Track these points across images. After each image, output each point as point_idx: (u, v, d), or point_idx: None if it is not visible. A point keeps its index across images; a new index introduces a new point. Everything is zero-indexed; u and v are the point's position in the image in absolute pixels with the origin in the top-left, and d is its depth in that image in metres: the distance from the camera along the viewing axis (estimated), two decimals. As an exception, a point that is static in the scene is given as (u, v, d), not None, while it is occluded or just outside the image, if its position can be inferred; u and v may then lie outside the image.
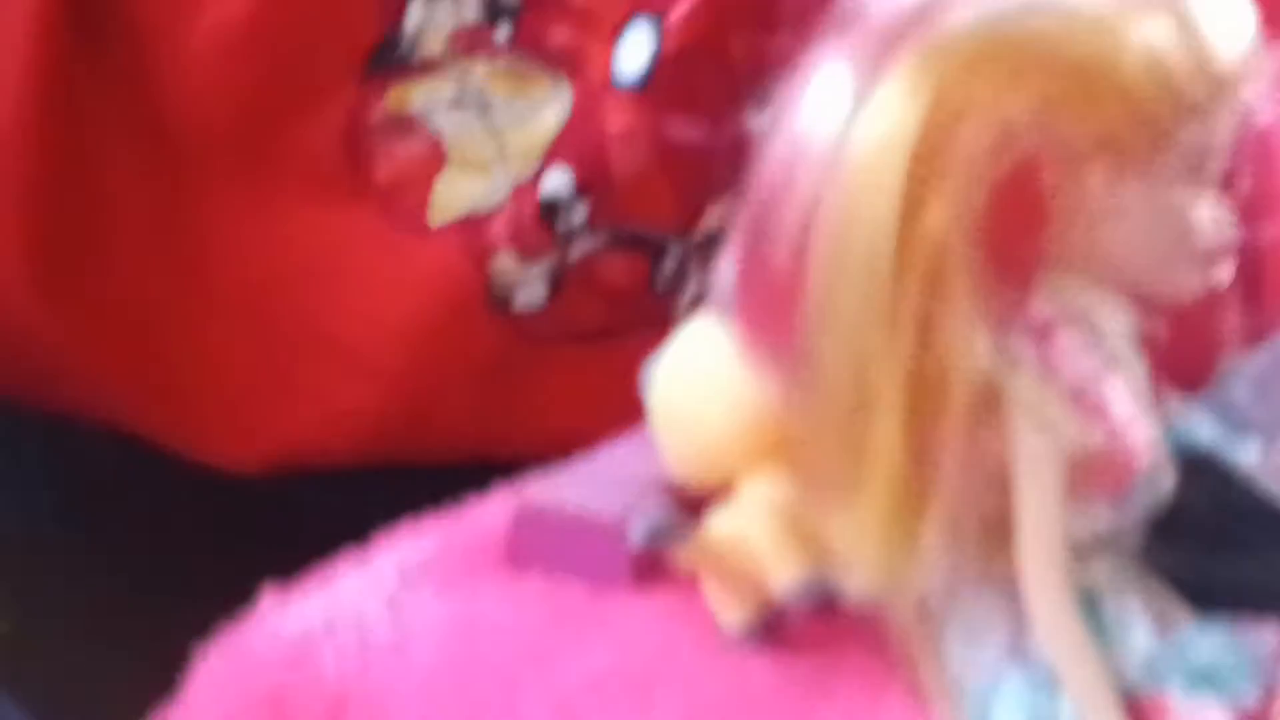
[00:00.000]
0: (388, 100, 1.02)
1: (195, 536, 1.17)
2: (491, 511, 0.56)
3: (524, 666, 0.47)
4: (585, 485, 0.57)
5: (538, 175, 0.97)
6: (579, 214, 0.96)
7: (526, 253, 0.96)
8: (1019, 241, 0.46)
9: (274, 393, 0.99)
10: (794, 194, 0.47)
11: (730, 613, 0.52)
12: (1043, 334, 0.46)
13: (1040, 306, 0.46)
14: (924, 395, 0.45)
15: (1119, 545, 0.48)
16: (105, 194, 1.03)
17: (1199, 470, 0.55)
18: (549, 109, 1.02)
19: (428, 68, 1.04)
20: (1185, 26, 0.46)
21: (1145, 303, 0.48)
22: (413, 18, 1.02)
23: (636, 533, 0.48)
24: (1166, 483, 0.47)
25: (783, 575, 0.50)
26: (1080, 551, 0.47)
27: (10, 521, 1.12)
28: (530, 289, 0.97)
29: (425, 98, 1.03)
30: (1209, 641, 0.46)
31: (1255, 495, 0.56)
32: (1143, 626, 0.47)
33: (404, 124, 1.03)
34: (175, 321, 1.02)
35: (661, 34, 0.97)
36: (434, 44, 1.02)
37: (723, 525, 0.51)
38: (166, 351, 1.02)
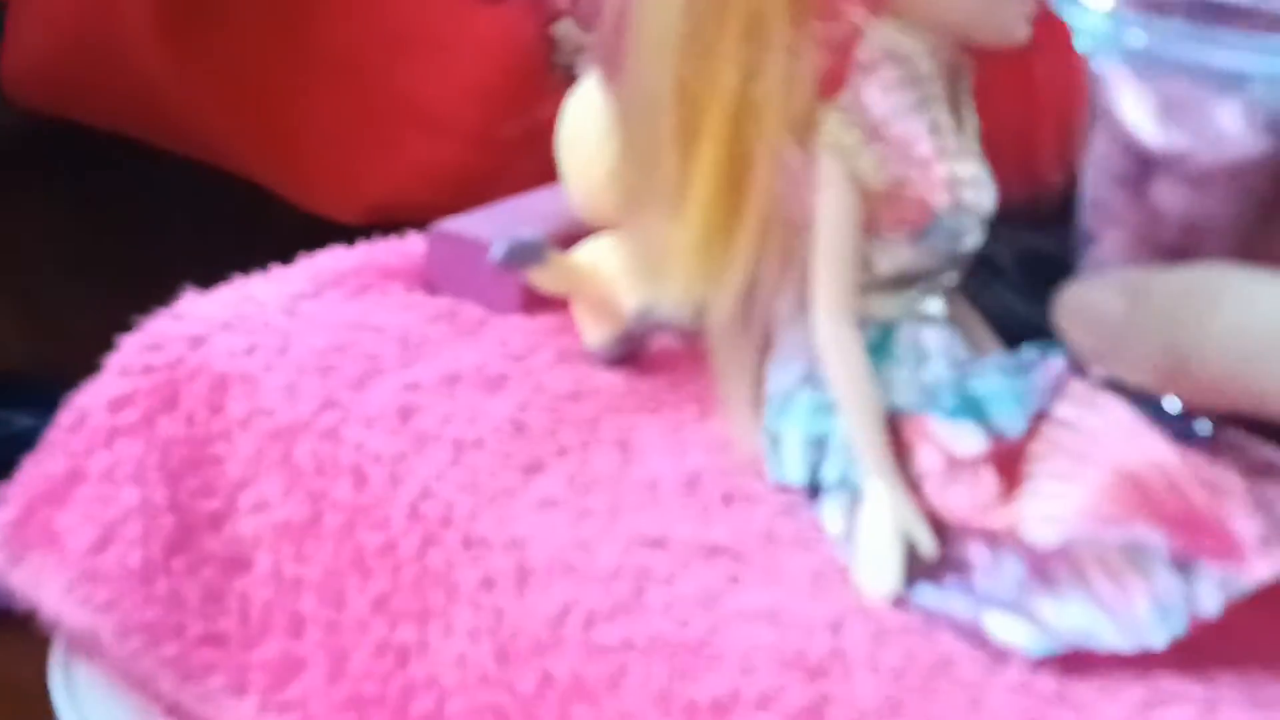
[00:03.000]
0: None
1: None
2: (419, 241, 0.61)
3: (390, 359, 0.53)
4: (498, 219, 0.62)
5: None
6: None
7: (583, 23, 0.99)
8: None
9: (368, 148, 1.06)
10: None
11: (591, 333, 0.56)
12: (863, 72, 0.49)
13: (864, 48, 0.49)
14: (738, 122, 0.48)
15: (933, 284, 0.50)
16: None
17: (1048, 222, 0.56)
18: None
19: None
20: None
21: (972, 49, 0.49)
22: None
23: (498, 250, 0.52)
24: (969, 224, 0.49)
25: (628, 302, 0.54)
26: (882, 284, 0.49)
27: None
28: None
29: None
30: (990, 375, 0.48)
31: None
32: (938, 358, 0.49)
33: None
34: (285, 81, 1.09)
35: None
36: None
37: (584, 254, 0.55)
38: (278, 107, 1.10)
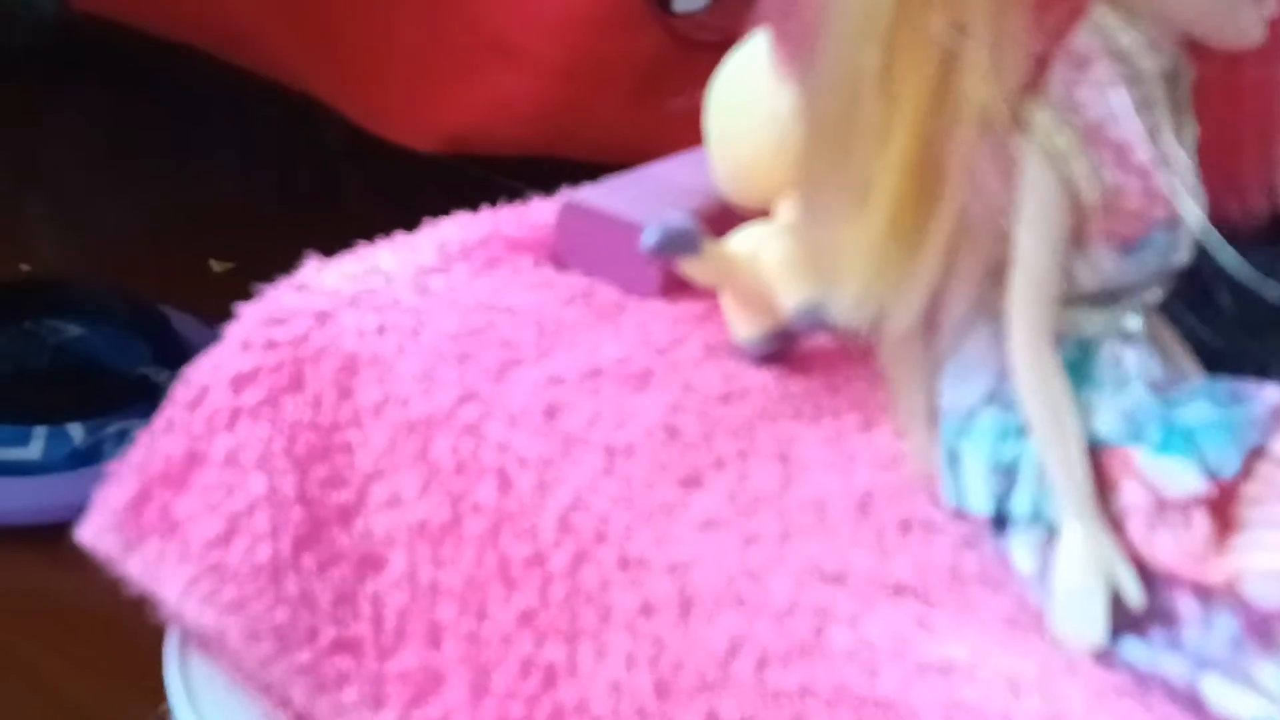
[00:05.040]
0: None
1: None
2: (545, 209, 0.57)
3: (528, 346, 0.49)
4: (634, 192, 0.58)
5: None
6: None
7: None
8: None
9: (447, 79, 1.02)
10: None
11: (741, 327, 0.52)
12: (1077, 66, 0.44)
13: (1080, 38, 0.44)
14: (937, 115, 0.44)
15: (1135, 300, 0.46)
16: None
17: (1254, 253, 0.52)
18: None
19: None
20: None
21: (1200, 48, 0.45)
22: None
23: (649, 237, 0.49)
24: (1183, 239, 0.45)
25: (788, 297, 0.50)
26: (1085, 299, 0.45)
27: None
28: (692, -8, 0.96)
29: None
30: (1200, 404, 0.44)
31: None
32: (1138, 382, 0.45)
33: None
34: (365, 10, 1.05)
35: None
36: None
37: (739, 243, 0.52)
38: (357, 36, 1.06)
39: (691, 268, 0.51)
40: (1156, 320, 0.47)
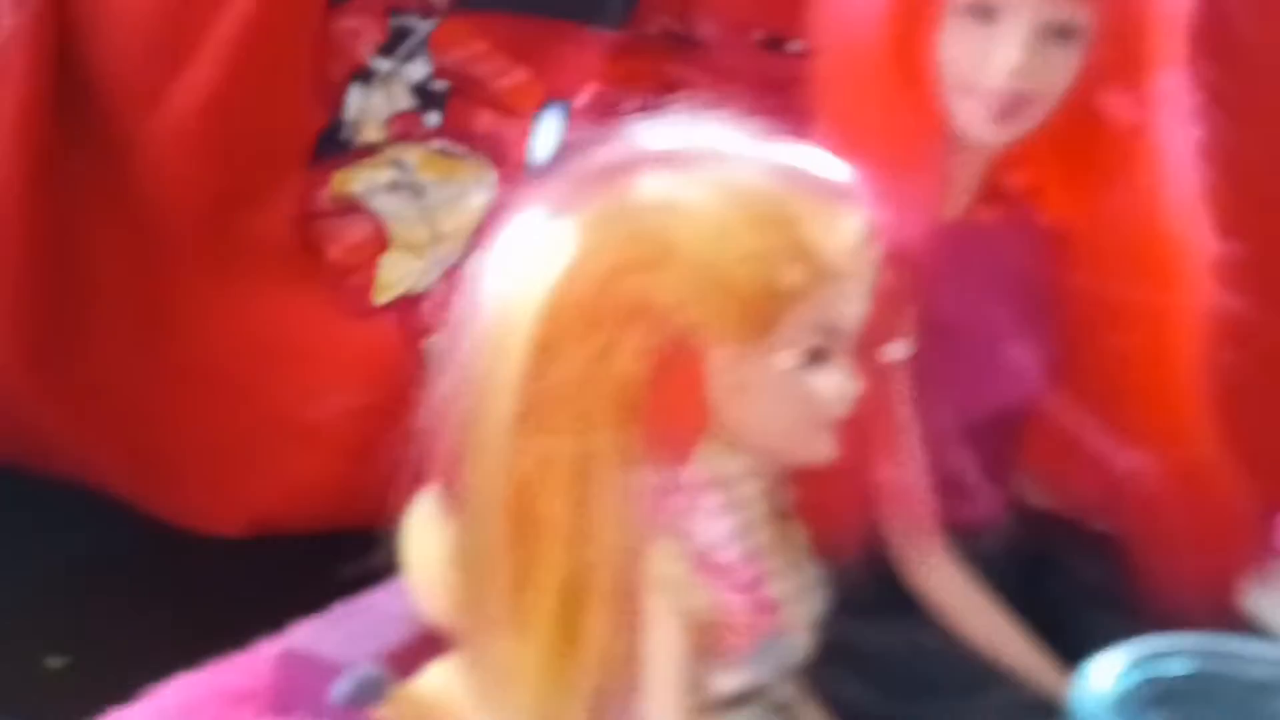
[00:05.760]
0: (332, 184, 1.08)
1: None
2: (263, 657, 0.60)
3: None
4: (348, 629, 0.61)
5: (466, 257, 1.02)
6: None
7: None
8: (668, 412, 0.48)
9: (246, 463, 1.05)
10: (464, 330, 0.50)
11: (444, 759, 0.56)
12: (688, 497, 0.49)
13: (691, 470, 0.49)
14: (576, 547, 0.48)
15: (768, 699, 0.50)
16: (90, 279, 1.09)
17: (899, 615, 0.57)
18: (476, 192, 1.07)
19: (366, 153, 1.09)
20: (792, 231, 0.48)
21: (787, 467, 0.50)
22: (352, 105, 1.07)
23: (338, 691, 0.52)
24: (799, 640, 0.49)
25: (478, 724, 0.53)
26: (722, 705, 0.49)
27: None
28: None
29: (365, 182, 1.08)
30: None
31: (950, 640, 0.57)
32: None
33: (348, 206, 1.09)
34: (155, 398, 1.08)
35: (569, 119, 1.01)
36: (372, 130, 1.07)
37: (431, 678, 0.55)
38: (149, 425, 1.08)
39: (386, 713, 0.54)
40: (801, 699, 0.52)
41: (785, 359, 0.48)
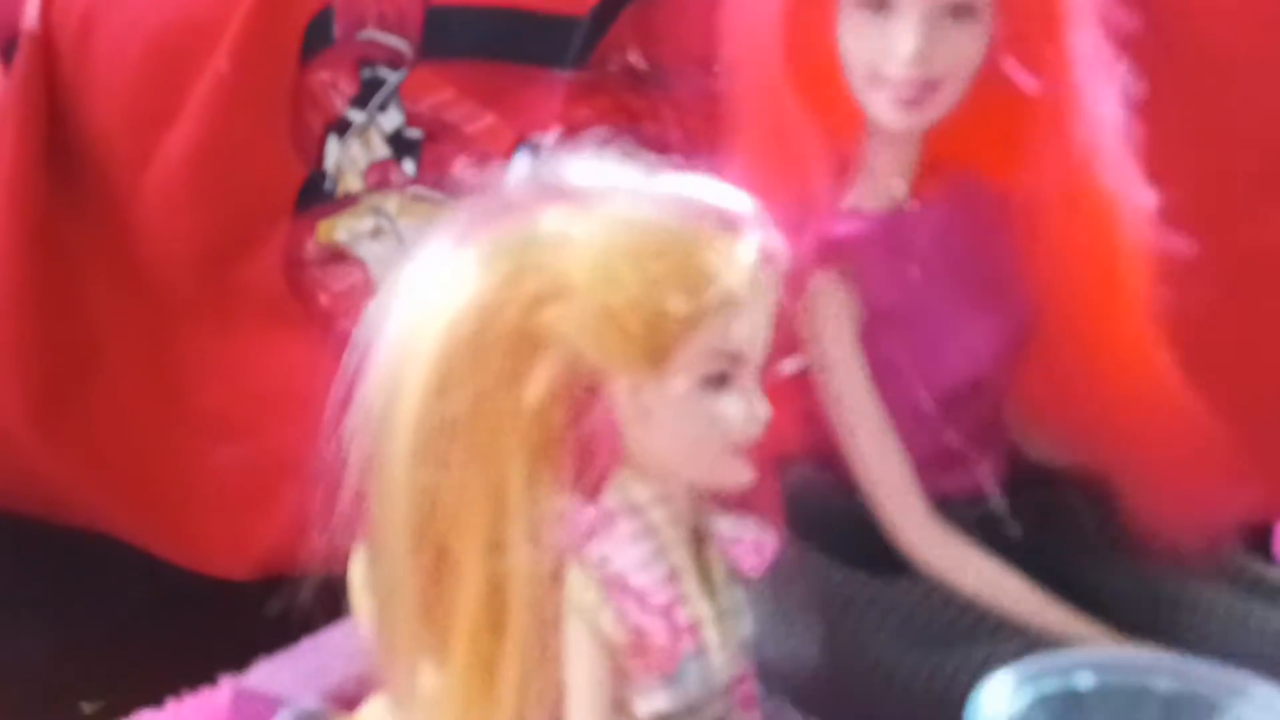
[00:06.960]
0: (318, 233, 1.11)
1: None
2: (219, 697, 0.63)
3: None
4: (302, 666, 0.64)
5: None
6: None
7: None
8: (578, 442, 0.50)
9: (252, 506, 1.07)
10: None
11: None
12: (602, 523, 0.51)
13: (605, 497, 0.51)
14: (494, 579, 0.50)
15: (699, 716, 0.52)
16: (93, 335, 1.12)
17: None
18: (453, 235, 1.10)
19: (348, 202, 1.12)
20: (681, 260, 0.50)
21: (704, 492, 0.52)
22: (331, 156, 1.10)
23: (275, 729, 0.55)
24: (719, 661, 0.51)
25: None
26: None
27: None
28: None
29: (349, 230, 1.11)
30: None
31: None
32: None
33: (335, 254, 1.11)
34: (162, 446, 1.11)
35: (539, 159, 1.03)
36: (352, 180, 1.10)
37: (368, 713, 0.58)
38: (156, 473, 1.11)
39: (324, 745, 0.56)
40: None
41: (681, 384, 0.50)
